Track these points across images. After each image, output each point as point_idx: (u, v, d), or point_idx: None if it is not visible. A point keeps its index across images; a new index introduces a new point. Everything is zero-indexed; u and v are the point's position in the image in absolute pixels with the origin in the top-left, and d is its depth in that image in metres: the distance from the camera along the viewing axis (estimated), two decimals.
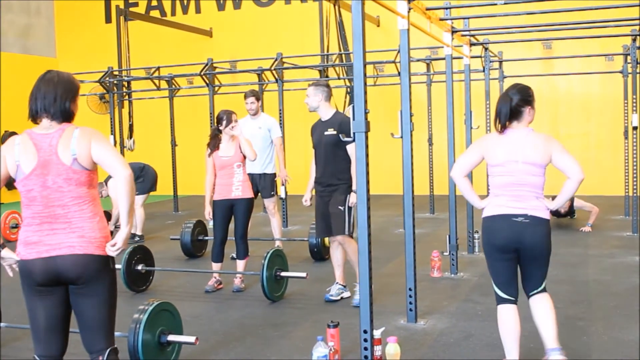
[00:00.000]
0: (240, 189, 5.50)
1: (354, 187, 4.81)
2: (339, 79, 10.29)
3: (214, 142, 5.53)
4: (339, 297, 5.19)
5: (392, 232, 8.43)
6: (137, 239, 8.39)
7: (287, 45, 12.28)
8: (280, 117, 9.31)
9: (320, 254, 6.72)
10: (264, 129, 6.99)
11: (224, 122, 5.47)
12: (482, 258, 6.67)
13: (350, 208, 4.93)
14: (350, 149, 4.83)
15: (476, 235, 7.02)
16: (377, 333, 3.62)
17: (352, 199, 4.88)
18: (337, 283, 5.24)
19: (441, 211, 9.69)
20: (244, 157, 5.47)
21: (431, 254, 6.04)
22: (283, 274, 5.32)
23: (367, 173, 3.18)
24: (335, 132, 4.87)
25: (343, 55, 10.03)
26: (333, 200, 4.94)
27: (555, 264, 6.38)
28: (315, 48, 11.94)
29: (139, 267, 5.70)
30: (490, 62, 8.64)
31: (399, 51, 5.16)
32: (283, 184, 7.02)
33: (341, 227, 4.94)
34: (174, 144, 11.67)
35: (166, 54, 14.35)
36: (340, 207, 4.91)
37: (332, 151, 4.91)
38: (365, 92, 3.30)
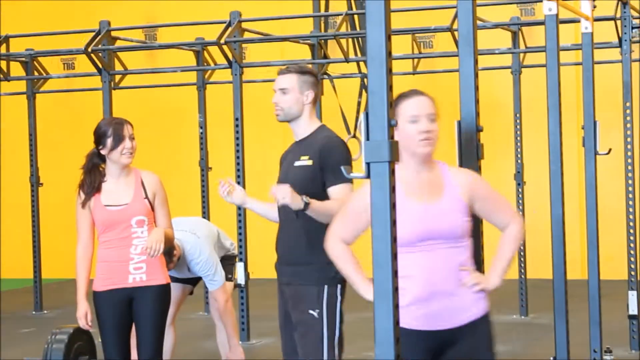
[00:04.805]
0: (143, 269, 5.35)
1: None
2: (346, 61, 9.43)
3: (92, 179, 5.33)
4: None
5: None
6: None
7: (249, 2, 11.57)
8: (237, 129, 8.68)
9: None
10: None
11: (109, 141, 5.26)
12: None
13: (333, 310, 4.53)
14: (334, 193, 4.59)
15: (607, 357, 6.76)
16: None
17: None
18: None
19: (539, 311, 9.31)
20: (152, 207, 5.38)
21: None
22: None
23: (394, 223, 2.66)
24: (310, 163, 4.69)
25: (356, 18, 9.30)
26: (297, 296, 4.60)
27: None
28: (305, 6, 10.94)
29: None
30: (633, 28, 8.12)
31: (456, 13, 4.92)
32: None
33: (313, 348, 4.59)
34: (36, 182, 10.67)
35: (23, 18, 13.93)
36: (311, 311, 4.57)
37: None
38: (391, 88, 2.65)
